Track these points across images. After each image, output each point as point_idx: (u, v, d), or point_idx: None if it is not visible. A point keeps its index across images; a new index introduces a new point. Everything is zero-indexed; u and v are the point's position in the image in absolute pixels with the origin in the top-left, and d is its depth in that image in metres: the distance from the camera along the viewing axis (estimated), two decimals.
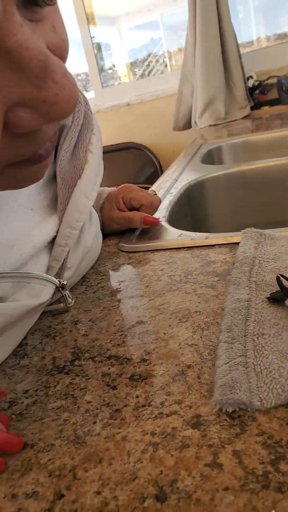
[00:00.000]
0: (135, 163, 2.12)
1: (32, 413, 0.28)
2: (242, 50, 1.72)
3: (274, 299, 0.33)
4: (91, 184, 0.41)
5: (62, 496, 0.22)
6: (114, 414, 0.26)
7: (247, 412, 0.24)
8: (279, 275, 0.34)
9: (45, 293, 0.36)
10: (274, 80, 1.73)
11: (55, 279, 0.37)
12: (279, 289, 0.34)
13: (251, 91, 1.75)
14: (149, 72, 2.30)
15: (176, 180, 0.83)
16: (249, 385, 0.25)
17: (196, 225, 0.80)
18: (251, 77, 1.74)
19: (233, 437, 0.23)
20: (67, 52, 0.22)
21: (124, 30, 2.31)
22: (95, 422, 0.26)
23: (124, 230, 0.60)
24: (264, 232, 0.46)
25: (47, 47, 0.20)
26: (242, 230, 0.47)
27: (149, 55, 2.30)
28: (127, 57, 2.33)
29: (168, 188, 0.78)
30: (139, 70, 2.34)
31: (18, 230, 0.35)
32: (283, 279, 0.34)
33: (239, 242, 0.46)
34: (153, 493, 0.21)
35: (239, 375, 0.26)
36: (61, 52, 0.21)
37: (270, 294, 0.34)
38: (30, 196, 0.39)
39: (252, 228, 0.47)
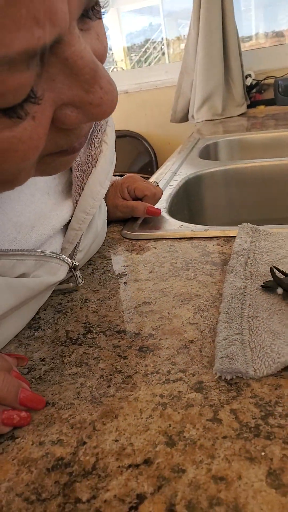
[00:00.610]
0: (131, 151, 2.14)
1: (50, 378, 0.32)
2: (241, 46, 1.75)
3: (267, 287, 0.37)
4: (105, 173, 0.44)
5: (84, 443, 0.26)
6: (126, 380, 0.30)
7: (243, 380, 0.28)
8: (272, 266, 0.38)
9: (61, 272, 0.39)
10: (271, 81, 1.77)
11: (69, 259, 0.40)
12: (272, 279, 0.38)
13: (248, 89, 1.78)
14: (146, 59, 2.29)
15: (175, 173, 0.86)
16: (245, 358, 0.29)
17: (192, 218, 0.83)
18: (250, 75, 1.78)
19: (230, 399, 0.27)
20: (106, 57, 0.25)
21: (122, 13, 2.27)
22: (109, 386, 0.30)
23: (127, 218, 0.63)
24: (258, 228, 0.50)
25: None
26: (238, 225, 0.51)
27: (147, 41, 2.29)
28: (125, 41, 2.30)
29: (168, 181, 0.81)
30: (135, 56, 2.33)
31: (37, 212, 0.38)
32: (276, 270, 0.38)
33: (235, 236, 0.50)
34: (164, 441, 0.25)
35: (236, 350, 0.30)
36: (103, 58, 0.24)
37: (264, 283, 0.38)
38: (47, 181, 0.41)
39: (248, 223, 0.51)
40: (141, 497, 0.22)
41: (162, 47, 2.26)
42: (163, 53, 2.26)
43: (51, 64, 0.20)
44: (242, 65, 1.71)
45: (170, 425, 0.26)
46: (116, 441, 0.25)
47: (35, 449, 0.26)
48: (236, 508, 0.20)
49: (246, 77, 1.77)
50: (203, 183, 0.86)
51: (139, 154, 2.16)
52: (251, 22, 2.11)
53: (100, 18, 0.23)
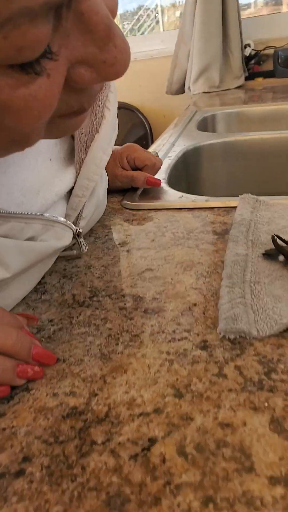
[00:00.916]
0: (125, 123, 2.11)
1: (59, 337, 0.33)
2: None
3: (269, 255, 0.39)
4: (107, 139, 0.44)
5: (96, 394, 0.27)
6: (133, 338, 0.32)
7: (246, 339, 0.30)
8: (274, 235, 0.39)
9: (67, 237, 0.39)
10: (271, 51, 1.74)
11: (73, 225, 0.41)
12: (273, 247, 0.39)
13: (247, 60, 1.75)
14: (139, 28, 2.22)
15: (174, 144, 0.86)
16: (248, 319, 0.30)
17: (191, 190, 0.84)
18: (249, 45, 1.74)
19: (234, 356, 0.28)
20: (116, 13, 0.25)
21: None
22: (117, 344, 0.31)
23: (126, 188, 0.63)
24: (259, 198, 0.51)
25: None
26: (239, 196, 0.52)
27: (140, 8, 2.21)
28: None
29: (166, 152, 0.81)
30: (128, 24, 2.26)
31: (41, 177, 0.39)
32: (277, 238, 0.39)
33: (236, 206, 0.51)
34: (172, 393, 0.26)
35: (239, 311, 0.31)
36: (114, 14, 0.24)
37: (265, 251, 0.39)
38: (49, 147, 0.41)
39: (249, 194, 0.52)
40: (152, 441, 0.23)
41: (156, 14, 2.18)
42: (157, 21, 2.19)
43: (67, 18, 0.20)
44: (241, 34, 1.67)
45: (177, 379, 0.27)
46: (127, 393, 0.27)
47: (49, 399, 0.27)
48: (241, 450, 0.22)
49: (245, 47, 1.73)
50: (202, 155, 0.86)
51: (133, 127, 2.12)
52: None
53: None
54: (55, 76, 0.21)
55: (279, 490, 0.20)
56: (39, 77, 0.21)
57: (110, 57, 0.22)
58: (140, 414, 0.25)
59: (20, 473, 0.22)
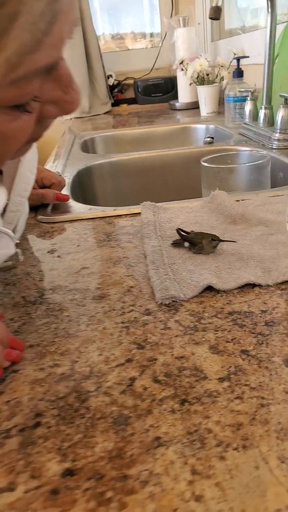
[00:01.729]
0: None
1: (26, 330, 0.38)
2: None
3: (176, 244, 0.50)
4: (32, 161, 0.50)
5: (76, 361, 0.33)
6: (90, 318, 0.39)
7: (177, 302, 0.40)
8: (178, 228, 0.51)
9: (11, 246, 0.44)
10: (131, 81, 1.95)
11: (15, 236, 0.46)
12: (178, 238, 0.50)
13: (111, 89, 1.93)
14: None
15: (66, 165, 0.94)
16: (175, 288, 0.41)
17: (88, 203, 0.92)
18: (111, 75, 1.93)
19: (172, 315, 0.38)
20: None
21: None
22: (79, 325, 0.38)
23: (37, 206, 0.69)
24: (157, 204, 0.63)
25: None
26: (140, 203, 0.63)
27: None
28: None
29: (62, 172, 0.88)
30: None
31: None
32: (180, 231, 0.51)
33: (139, 212, 0.61)
34: (135, 347, 0.34)
35: (168, 284, 0.41)
36: None
37: (173, 241, 0.50)
38: None
39: (148, 201, 0.63)
40: (132, 379, 0.31)
41: None
42: None
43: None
44: (103, 66, 1.84)
45: (136, 338, 0.36)
46: (101, 355, 0.34)
47: (38, 373, 0.33)
48: (196, 368, 0.31)
49: (108, 77, 1.92)
50: (93, 174, 0.96)
51: None
52: (97, 23, 2.25)
53: None
54: (35, 113, 0.28)
55: (225, 384, 0.30)
56: (26, 114, 0.28)
57: (70, 98, 0.30)
58: (117, 365, 0.33)
59: (37, 424, 0.28)
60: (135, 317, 0.38)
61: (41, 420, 0.28)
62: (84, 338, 0.36)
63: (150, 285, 0.43)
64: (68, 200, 0.68)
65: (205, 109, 1.52)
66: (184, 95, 1.76)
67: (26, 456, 0.26)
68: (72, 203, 0.70)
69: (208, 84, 1.49)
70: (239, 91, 1.20)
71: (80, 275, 0.47)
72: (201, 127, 1.35)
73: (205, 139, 1.06)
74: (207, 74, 1.48)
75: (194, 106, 1.70)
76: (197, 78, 1.50)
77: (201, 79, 1.50)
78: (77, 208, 0.68)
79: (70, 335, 0.37)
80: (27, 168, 0.49)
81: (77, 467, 0.24)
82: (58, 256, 0.52)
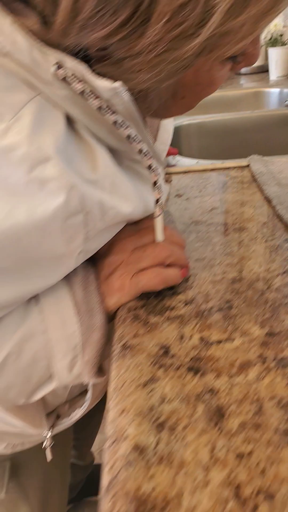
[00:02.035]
0: None
1: (186, 249, 0.47)
2: None
3: None
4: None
5: (241, 271, 0.42)
6: (239, 243, 0.47)
7: None
8: None
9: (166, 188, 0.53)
10: None
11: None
12: None
13: None
14: None
15: None
16: None
17: None
18: None
19: None
20: None
21: None
22: (231, 248, 0.46)
23: None
24: (264, 158, 0.69)
25: None
26: (248, 157, 0.70)
27: None
28: None
29: None
30: None
31: None
32: None
33: (248, 165, 0.68)
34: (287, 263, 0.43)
35: None
36: None
37: None
38: None
39: (254, 155, 0.70)
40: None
41: None
42: None
43: None
44: None
45: (286, 257, 0.44)
46: (260, 266, 0.42)
47: (214, 277, 0.41)
48: None
49: None
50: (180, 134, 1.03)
51: None
52: None
53: None
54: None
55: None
56: (229, 64, 0.35)
57: (257, 52, 0.37)
58: (277, 275, 0.41)
59: (230, 307, 0.37)
60: (278, 244, 0.46)
61: (231, 304, 0.37)
62: (240, 256, 0.45)
63: (282, 222, 0.50)
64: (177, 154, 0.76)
65: (275, 72, 1.52)
66: None
67: (231, 323, 0.35)
68: (177, 157, 0.78)
69: (281, 45, 1.49)
70: None
71: (214, 213, 0.55)
72: (274, 91, 1.37)
73: (286, 103, 1.10)
74: (280, 35, 1.48)
75: (260, 70, 1.71)
76: (269, 39, 1.50)
77: (274, 40, 1.50)
78: (183, 162, 0.76)
79: (228, 254, 0.45)
80: (165, 122, 0.57)
81: (275, 332, 0.33)
82: (187, 199, 0.60)
